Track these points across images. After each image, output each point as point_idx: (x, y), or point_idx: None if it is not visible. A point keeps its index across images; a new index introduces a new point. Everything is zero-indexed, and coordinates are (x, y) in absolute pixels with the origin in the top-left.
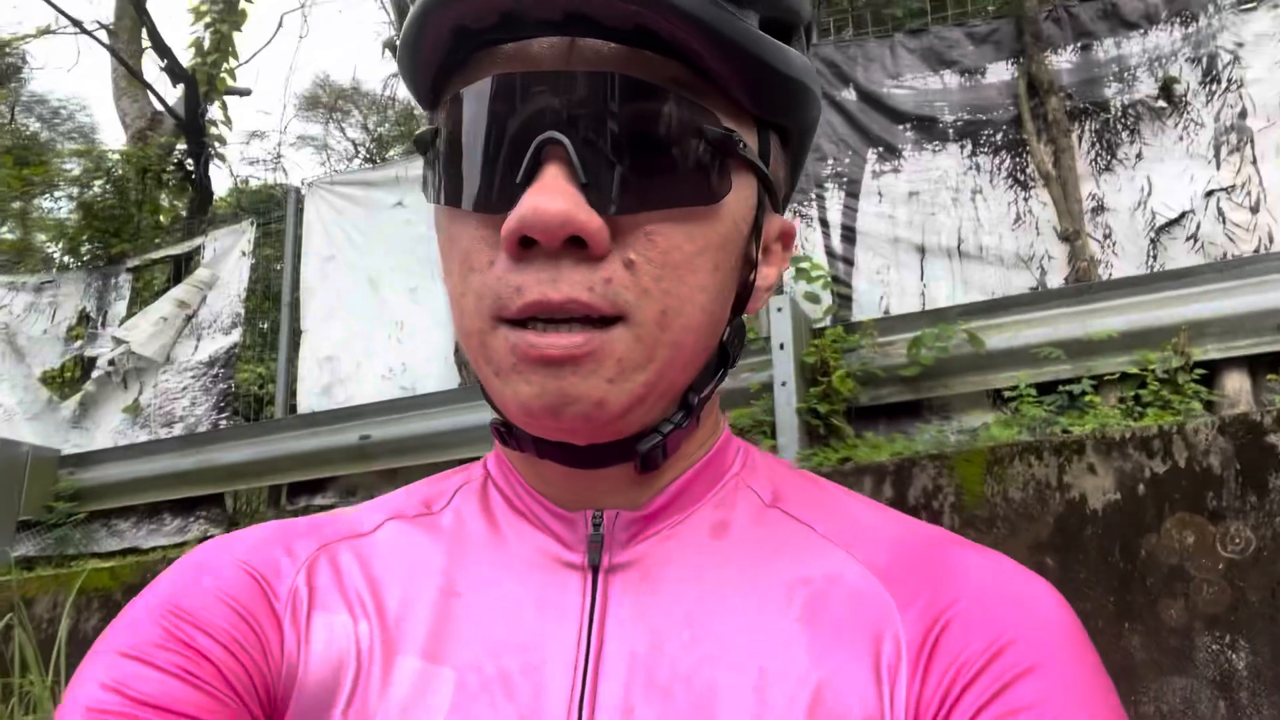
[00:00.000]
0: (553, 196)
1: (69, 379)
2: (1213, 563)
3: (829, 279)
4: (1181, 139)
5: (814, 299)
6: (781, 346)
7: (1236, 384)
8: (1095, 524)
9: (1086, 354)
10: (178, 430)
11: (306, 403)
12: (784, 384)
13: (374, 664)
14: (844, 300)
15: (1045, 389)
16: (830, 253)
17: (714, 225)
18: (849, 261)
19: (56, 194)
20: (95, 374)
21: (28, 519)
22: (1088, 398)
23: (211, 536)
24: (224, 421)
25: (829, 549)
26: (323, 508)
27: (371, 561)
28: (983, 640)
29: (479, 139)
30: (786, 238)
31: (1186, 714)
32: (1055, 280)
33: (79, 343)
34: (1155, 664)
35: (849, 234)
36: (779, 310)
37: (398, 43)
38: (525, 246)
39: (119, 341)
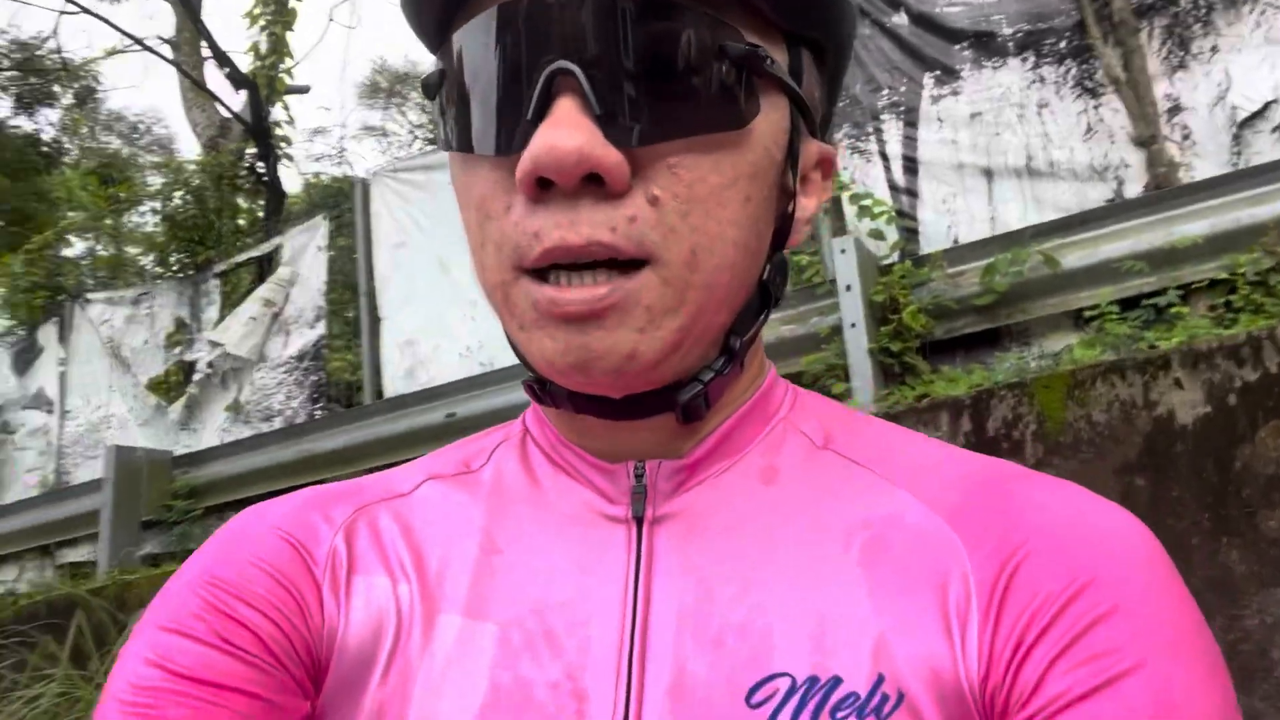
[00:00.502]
0: (567, 132)
1: (173, 384)
2: None
3: (893, 214)
4: (1259, 25)
5: (879, 236)
6: (848, 288)
7: None
8: (1185, 440)
9: (1171, 263)
10: (277, 424)
11: (392, 387)
12: (853, 325)
13: (415, 624)
14: (910, 234)
15: (1129, 304)
16: (893, 186)
17: (743, 153)
18: (913, 194)
19: (141, 208)
20: (196, 377)
21: (149, 519)
22: (1175, 309)
23: None
24: (319, 412)
25: (889, 489)
26: None
27: (411, 522)
28: (1060, 580)
29: (485, 76)
30: (826, 164)
31: None
32: (1133, 189)
33: (178, 349)
34: (1255, 576)
35: (911, 165)
36: (843, 251)
37: None
38: (543, 188)
39: (214, 344)
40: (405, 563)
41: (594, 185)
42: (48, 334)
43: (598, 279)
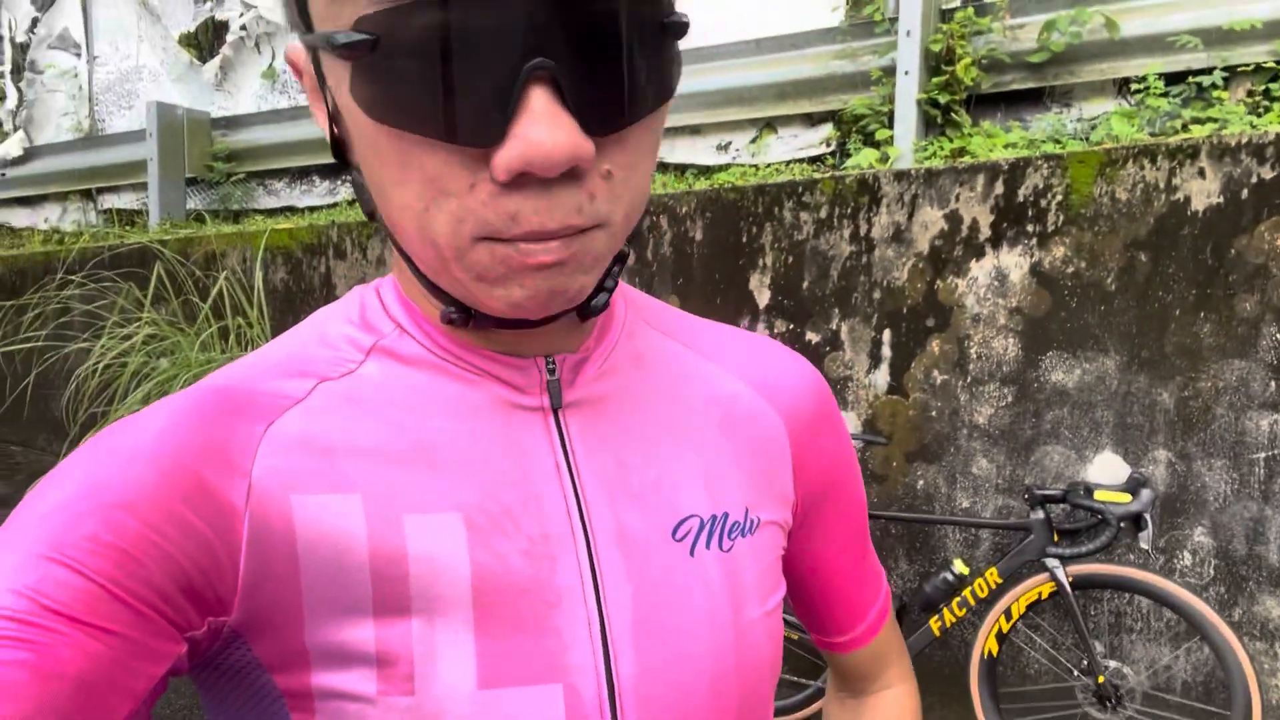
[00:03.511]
0: (552, 130)
1: (204, 42)
2: None
3: None
4: None
5: None
6: (909, 34)
7: None
8: (1193, 224)
9: (1224, 43)
10: None
11: None
12: (907, 73)
13: (380, 530)
14: None
15: (1173, 79)
16: None
17: (665, 106)
18: None
19: None
20: (229, 38)
21: (192, 177)
22: (1216, 93)
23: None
24: None
25: (721, 373)
26: None
27: (330, 432)
28: (816, 433)
29: (441, 67)
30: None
31: (1239, 390)
32: None
33: (208, 4)
34: (1219, 348)
35: None
36: None
37: None
38: (521, 175)
39: (247, 5)
40: (346, 472)
41: (567, 172)
42: None
43: (557, 241)
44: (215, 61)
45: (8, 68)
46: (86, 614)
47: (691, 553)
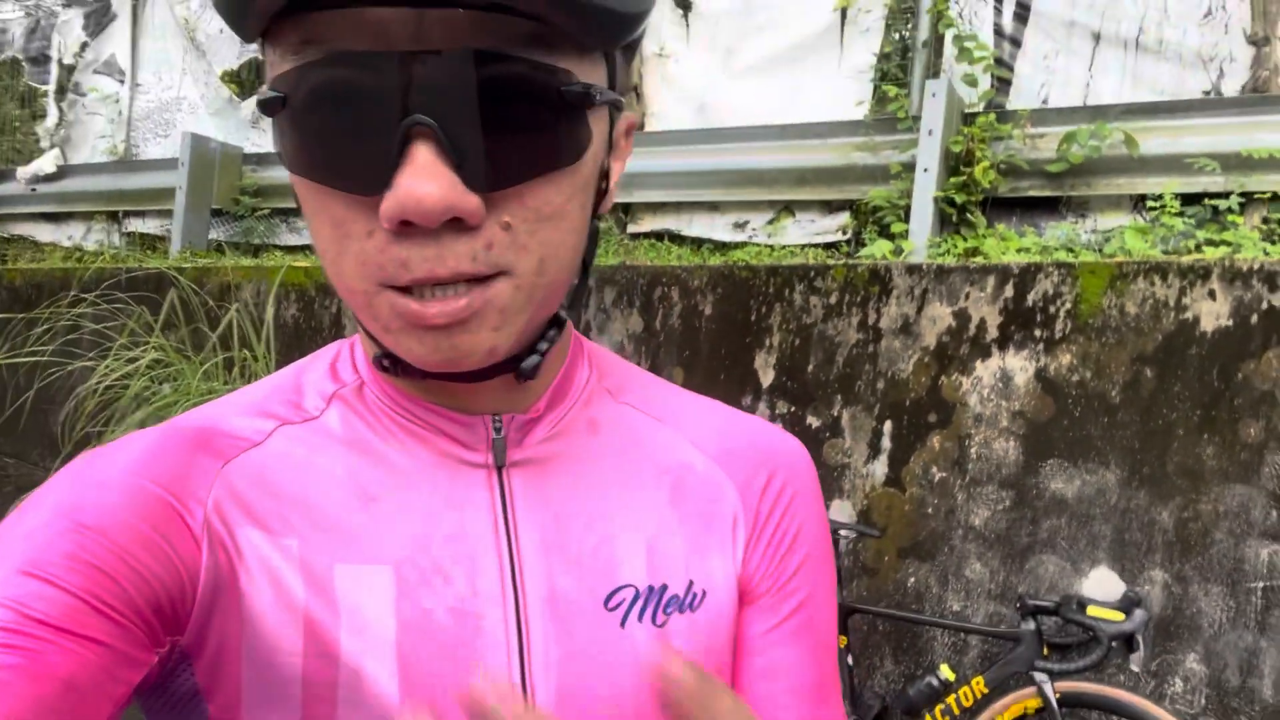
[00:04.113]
0: (428, 181)
1: (246, 81)
2: None
3: (991, 61)
4: None
5: (972, 82)
6: (930, 133)
7: None
8: (1201, 345)
9: (1242, 169)
10: None
11: None
12: (926, 170)
13: (314, 577)
14: (1002, 85)
15: (1190, 199)
16: (998, 31)
17: (579, 171)
18: (1016, 43)
19: None
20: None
21: (218, 208)
22: (1231, 217)
23: None
24: None
25: (677, 439)
26: None
27: (279, 474)
28: (780, 509)
29: (335, 121)
30: (630, 129)
31: (1240, 516)
32: (1231, 86)
33: (255, 45)
34: (1222, 471)
35: (1022, 12)
36: (933, 95)
37: None
38: (405, 225)
39: None
40: (287, 517)
41: (454, 222)
42: (120, 1)
43: (458, 292)
44: (254, 100)
45: (53, 87)
46: (69, 623)
47: (623, 624)
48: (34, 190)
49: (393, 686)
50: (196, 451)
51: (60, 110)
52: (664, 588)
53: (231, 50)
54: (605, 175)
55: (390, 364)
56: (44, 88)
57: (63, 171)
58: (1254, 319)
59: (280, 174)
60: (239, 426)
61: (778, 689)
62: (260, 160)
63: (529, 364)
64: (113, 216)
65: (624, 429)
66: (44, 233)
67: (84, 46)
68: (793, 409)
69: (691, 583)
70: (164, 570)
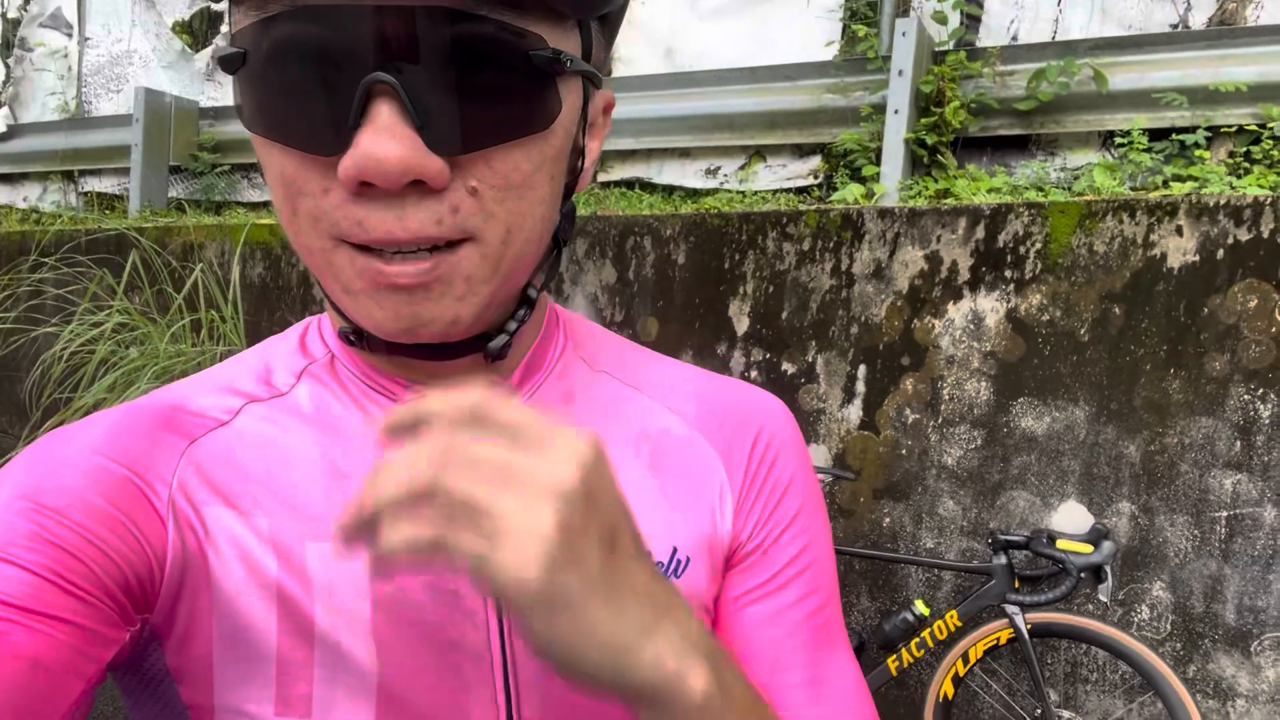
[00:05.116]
0: (389, 142)
1: (198, 31)
2: (1266, 325)
3: None
4: None
5: (942, 20)
6: (900, 73)
7: None
8: (1169, 281)
9: (1210, 103)
10: None
11: None
12: (896, 112)
13: (286, 555)
14: (972, 21)
15: (1157, 135)
16: None
17: (549, 140)
18: None
19: None
20: (223, 29)
21: (176, 165)
22: (1198, 152)
23: None
24: None
25: (654, 406)
26: None
27: (247, 453)
28: (763, 471)
29: (296, 78)
30: (609, 107)
31: (1205, 448)
32: (1199, 18)
33: None
34: (1187, 405)
35: None
36: (903, 35)
37: None
38: (366, 185)
39: None
40: (257, 496)
41: (417, 184)
42: None
43: (421, 257)
44: (208, 51)
45: None
46: (34, 603)
47: None
48: None
49: (370, 664)
50: (161, 430)
51: (7, 67)
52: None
53: (182, 0)
54: (581, 153)
55: (355, 337)
56: None
57: (12, 131)
58: (1220, 254)
59: (240, 129)
60: (205, 405)
61: (781, 634)
62: (218, 115)
63: (496, 344)
64: (68, 176)
65: (600, 398)
66: None
67: (28, 0)
68: (768, 356)
69: (675, 549)
70: (128, 548)
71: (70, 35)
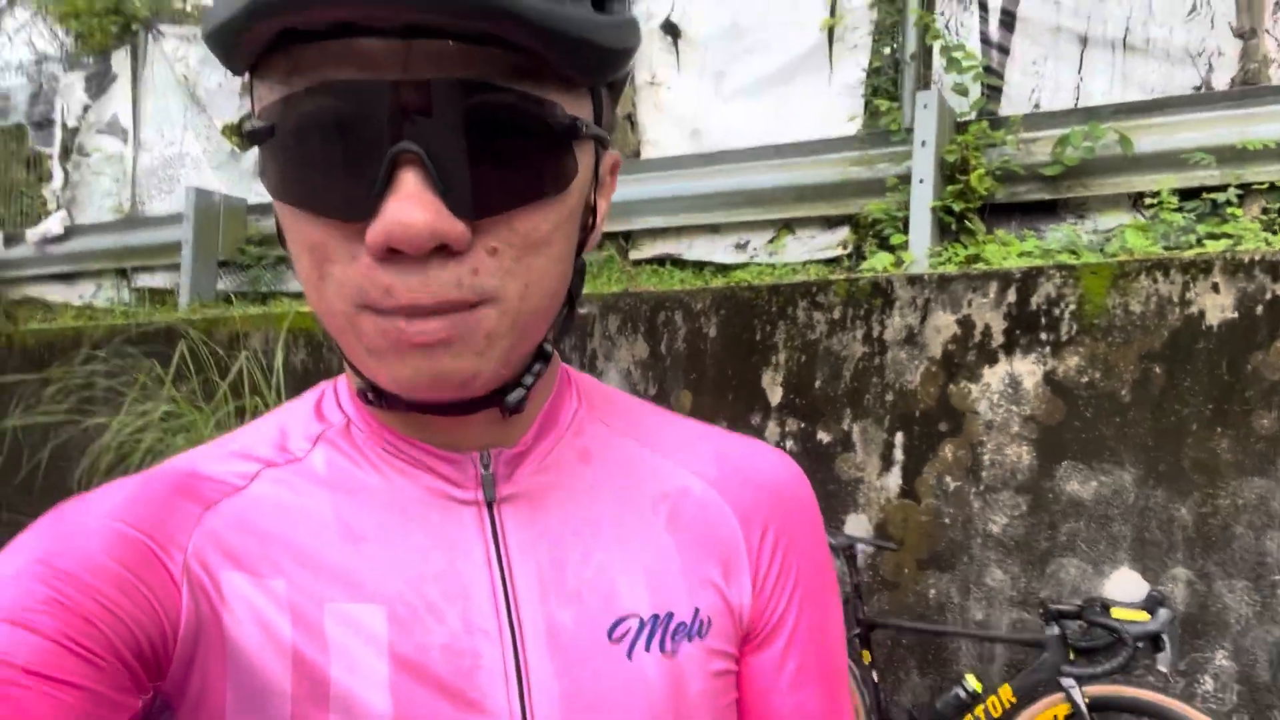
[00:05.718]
0: (416, 208)
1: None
2: None
3: (981, 70)
4: None
5: (962, 91)
6: (923, 144)
7: None
8: (1209, 339)
9: (1238, 161)
10: None
11: None
12: (921, 181)
13: (303, 618)
14: (993, 92)
15: (1188, 195)
16: (985, 39)
17: (565, 201)
18: (1004, 50)
19: None
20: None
21: (225, 259)
22: (1230, 209)
23: None
24: None
25: (673, 467)
26: None
27: (263, 517)
28: (778, 536)
29: (323, 149)
30: (615, 167)
31: (1259, 509)
32: (1221, 80)
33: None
34: (1238, 465)
35: (1008, 20)
36: (924, 107)
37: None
38: (391, 251)
39: None
40: (273, 559)
41: (440, 249)
42: (121, 62)
43: (441, 319)
44: (255, 150)
45: (57, 150)
46: (48, 669)
47: (629, 655)
48: (44, 252)
49: None
50: (177, 497)
51: (66, 172)
52: (669, 615)
53: (231, 104)
54: (592, 211)
55: (374, 396)
56: (49, 151)
57: (70, 232)
58: (1259, 310)
59: None
60: (221, 471)
61: (795, 704)
62: (264, 210)
63: (514, 398)
64: (121, 273)
65: (617, 457)
66: (54, 293)
67: (86, 108)
68: (802, 425)
69: (698, 609)
70: (142, 614)
71: (126, 140)
